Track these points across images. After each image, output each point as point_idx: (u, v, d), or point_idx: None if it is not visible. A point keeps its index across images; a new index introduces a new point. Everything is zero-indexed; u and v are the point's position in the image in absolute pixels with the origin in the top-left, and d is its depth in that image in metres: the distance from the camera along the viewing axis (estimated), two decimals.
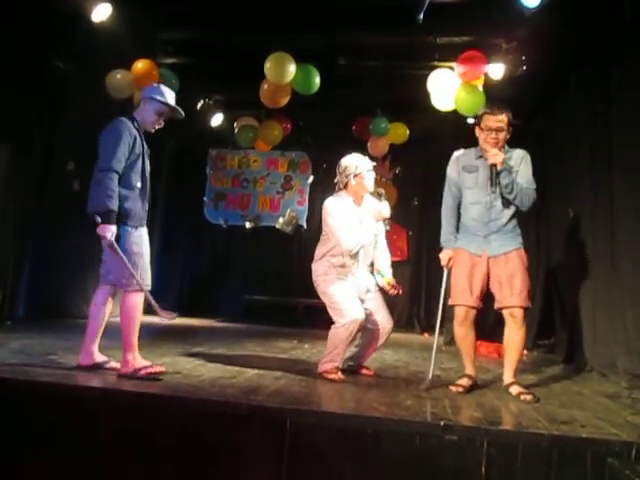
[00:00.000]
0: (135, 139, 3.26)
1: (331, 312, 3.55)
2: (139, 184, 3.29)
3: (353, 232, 3.50)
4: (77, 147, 5.95)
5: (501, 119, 3.29)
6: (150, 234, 7.35)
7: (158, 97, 3.34)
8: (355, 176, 3.59)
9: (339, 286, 3.53)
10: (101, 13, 4.66)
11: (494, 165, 3.24)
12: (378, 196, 3.65)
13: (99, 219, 3.11)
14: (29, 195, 5.42)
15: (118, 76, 5.52)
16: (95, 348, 3.34)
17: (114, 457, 2.60)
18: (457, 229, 3.46)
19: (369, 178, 3.62)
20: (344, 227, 3.50)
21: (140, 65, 5.42)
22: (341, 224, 3.51)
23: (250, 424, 2.53)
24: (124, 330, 3.23)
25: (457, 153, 3.48)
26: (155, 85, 3.52)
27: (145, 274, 3.28)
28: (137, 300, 3.24)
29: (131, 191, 3.26)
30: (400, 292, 3.71)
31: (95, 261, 6.54)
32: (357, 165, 3.61)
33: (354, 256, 3.57)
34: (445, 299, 3.49)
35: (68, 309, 6.06)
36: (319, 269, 3.62)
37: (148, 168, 3.39)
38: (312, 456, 2.48)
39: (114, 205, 3.13)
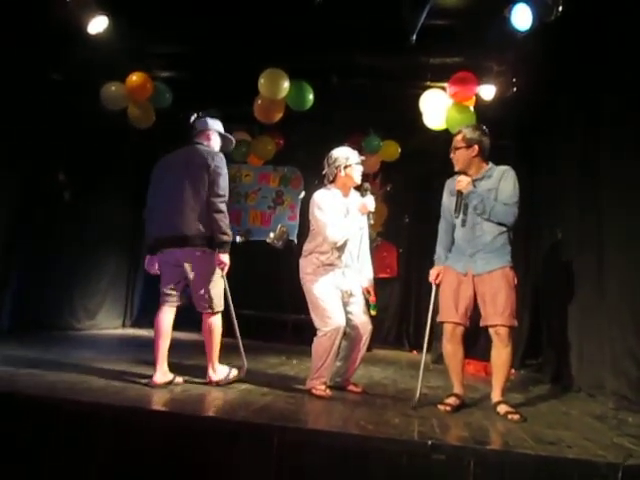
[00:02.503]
0: None
1: (313, 315, 3.56)
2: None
3: (339, 224, 3.52)
4: (68, 158, 5.96)
5: (455, 139, 3.45)
6: (140, 245, 7.37)
7: (223, 132, 3.74)
8: (345, 167, 3.65)
9: (326, 289, 3.53)
10: (97, 25, 4.68)
11: (459, 192, 3.34)
12: (364, 191, 3.69)
13: (219, 249, 3.40)
14: (16, 207, 5.38)
15: (113, 88, 5.54)
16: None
17: (98, 473, 2.56)
18: (450, 249, 3.52)
19: (358, 170, 3.69)
20: (331, 220, 3.52)
21: (134, 78, 5.44)
22: (328, 217, 3.53)
23: (236, 441, 2.51)
24: (213, 346, 3.52)
25: (449, 179, 3.57)
26: (216, 119, 3.79)
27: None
28: (220, 320, 3.55)
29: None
30: (374, 300, 3.80)
31: (83, 274, 6.50)
32: (348, 157, 3.67)
33: (340, 249, 3.58)
34: (434, 316, 3.50)
35: (54, 322, 6.01)
36: (307, 267, 3.62)
37: None
38: (299, 474, 2.45)
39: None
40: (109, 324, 7.03)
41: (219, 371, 3.59)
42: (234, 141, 3.81)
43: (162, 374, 3.43)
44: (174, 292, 3.53)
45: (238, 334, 3.73)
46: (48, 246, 5.83)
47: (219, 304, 3.51)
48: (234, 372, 3.64)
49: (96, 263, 6.74)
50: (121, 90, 5.52)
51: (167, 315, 3.50)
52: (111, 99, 5.57)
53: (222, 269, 3.46)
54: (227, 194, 3.44)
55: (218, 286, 3.50)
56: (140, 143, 6.91)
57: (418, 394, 3.36)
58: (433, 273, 3.51)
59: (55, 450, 2.59)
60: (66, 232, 6.06)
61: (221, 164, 3.46)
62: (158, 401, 2.95)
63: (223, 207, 3.39)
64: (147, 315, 7.71)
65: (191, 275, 3.43)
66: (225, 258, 3.43)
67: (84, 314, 6.56)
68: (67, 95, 5.49)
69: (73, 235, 6.17)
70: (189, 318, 7.87)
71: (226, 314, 3.67)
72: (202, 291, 3.45)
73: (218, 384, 3.52)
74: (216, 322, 3.53)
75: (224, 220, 3.39)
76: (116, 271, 7.22)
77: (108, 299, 7.06)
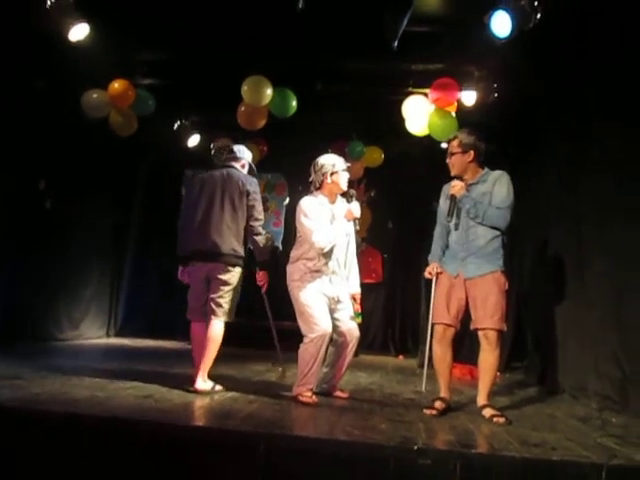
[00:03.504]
0: None
1: (300, 322, 3.56)
2: None
3: (326, 231, 3.52)
4: (49, 166, 5.90)
5: (451, 144, 3.48)
6: (124, 254, 7.32)
7: (253, 166, 4.02)
8: (332, 174, 3.65)
9: (312, 296, 3.53)
10: (78, 33, 4.64)
11: (453, 196, 3.37)
12: (349, 197, 3.70)
13: (259, 267, 3.79)
14: None
15: (94, 95, 5.51)
16: None
17: None
18: (444, 252, 3.54)
19: (344, 177, 3.69)
20: (317, 226, 3.52)
21: (116, 85, 5.41)
22: (314, 223, 3.53)
23: (223, 449, 2.49)
24: (211, 353, 3.60)
25: (445, 185, 3.59)
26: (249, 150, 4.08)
27: None
28: (222, 331, 3.66)
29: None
30: (358, 309, 3.86)
31: (66, 283, 6.41)
32: (334, 164, 3.67)
33: (327, 255, 3.59)
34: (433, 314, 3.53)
35: (37, 332, 5.91)
36: (294, 274, 3.62)
37: None
38: None
39: None
40: (93, 334, 6.95)
41: (207, 382, 3.63)
42: (256, 172, 4.07)
43: (203, 381, 3.58)
44: (202, 309, 3.72)
45: (277, 343, 4.08)
46: (31, 255, 5.74)
47: (229, 314, 3.68)
48: (218, 387, 3.66)
49: (80, 272, 6.66)
50: (103, 97, 5.49)
51: (200, 331, 3.70)
52: (93, 106, 5.53)
53: (263, 286, 3.86)
54: (264, 217, 3.79)
55: (234, 300, 3.70)
56: (123, 151, 6.87)
57: (424, 388, 3.60)
58: (428, 269, 3.55)
59: (37, 461, 2.54)
60: (49, 241, 5.98)
61: (258, 190, 3.79)
62: (142, 411, 2.92)
63: (262, 230, 3.74)
64: (131, 325, 7.64)
65: (214, 284, 3.64)
66: (265, 275, 3.82)
67: (68, 324, 6.47)
68: (48, 102, 5.44)
69: (56, 244, 6.09)
70: (175, 327, 7.80)
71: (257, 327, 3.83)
72: (218, 297, 3.63)
73: (201, 393, 3.53)
74: (220, 330, 3.64)
75: (263, 242, 3.75)
76: (100, 281, 7.15)
77: (92, 309, 6.98)
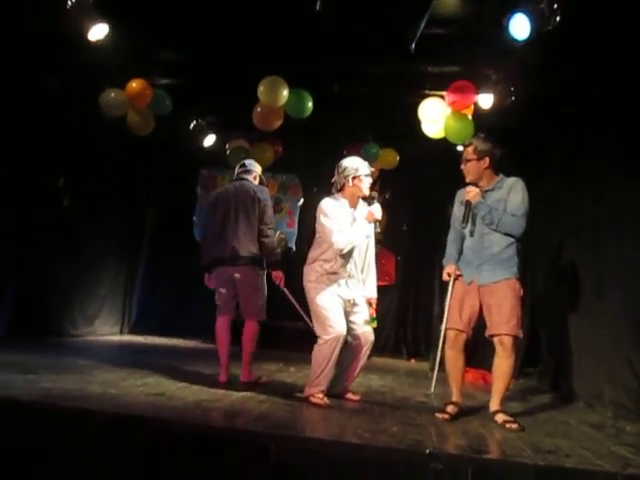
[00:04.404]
0: None
1: (315, 323, 3.57)
2: None
3: (345, 231, 3.52)
4: (67, 164, 5.96)
5: (466, 151, 3.44)
6: (139, 252, 7.40)
7: (263, 178, 4.41)
8: (354, 178, 3.65)
9: (328, 298, 3.53)
10: (98, 32, 4.69)
11: (468, 202, 3.35)
12: (370, 199, 3.69)
13: (272, 267, 4.10)
14: (14, 210, 5.36)
15: (112, 95, 5.56)
16: None
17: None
18: (459, 257, 3.51)
19: (366, 182, 3.68)
20: (337, 226, 3.52)
21: (134, 84, 5.46)
22: (334, 223, 3.53)
23: (233, 448, 2.50)
24: (250, 349, 3.99)
25: (460, 190, 3.56)
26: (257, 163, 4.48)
27: None
28: (258, 328, 4.04)
29: None
30: (374, 313, 3.87)
31: (81, 280, 6.47)
32: (357, 167, 3.66)
33: (345, 257, 3.58)
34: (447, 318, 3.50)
35: (51, 328, 5.98)
36: (311, 274, 3.62)
37: None
38: None
39: None
40: (106, 330, 7.01)
41: (252, 374, 4.01)
42: (266, 183, 4.46)
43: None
44: (227, 305, 4.08)
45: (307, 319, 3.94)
46: (47, 251, 5.81)
47: (262, 314, 4.06)
48: (264, 379, 4.08)
49: (95, 270, 6.72)
50: (121, 97, 5.54)
51: (224, 324, 4.07)
52: (111, 106, 5.58)
53: (280, 282, 4.14)
54: (274, 222, 4.14)
55: (262, 299, 4.06)
56: (139, 150, 6.93)
57: (433, 389, 3.58)
58: (444, 273, 3.53)
59: (48, 456, 2.57)
60: (65, 238, 6.05)
61: (268, 197, 4.15)
62: (154, 409, 2.94)
63: (271, 233, 4.06)
64: (145, 322, 7.70)
65: (240, 286, 3.99)
66: (279, 273, 4.12)
67: (82, 320, 6.54)
68: (67, 101, 5.50)
69: (72, 241, 6.16)
70: (189, 326, 7.84)
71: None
72: (249, 300, 4.02)
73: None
74: (256, 329, 4.02)
75: (273, 244, 4.08)
76: (114, 278, 7.21)
77: (106, 306, 7.04)
